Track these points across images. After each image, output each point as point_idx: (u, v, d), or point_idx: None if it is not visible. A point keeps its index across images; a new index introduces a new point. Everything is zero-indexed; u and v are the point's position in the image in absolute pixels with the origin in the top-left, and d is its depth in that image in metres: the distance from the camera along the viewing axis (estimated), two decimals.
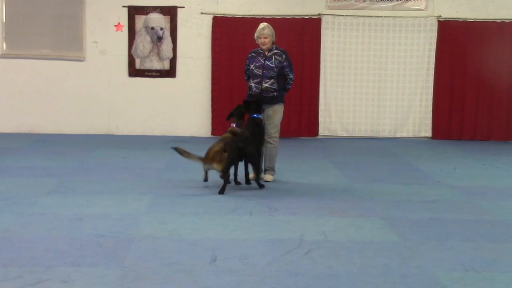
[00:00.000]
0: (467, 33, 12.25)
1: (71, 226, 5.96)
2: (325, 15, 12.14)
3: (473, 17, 12.26)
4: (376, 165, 9.67)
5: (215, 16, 12.08)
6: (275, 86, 8.05)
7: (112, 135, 12.16)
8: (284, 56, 8.09)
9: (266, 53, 8.07)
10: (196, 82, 12.27)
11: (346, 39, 12.22)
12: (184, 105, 12.30)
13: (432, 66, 12.33)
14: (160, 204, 6.88)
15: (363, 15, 12.17)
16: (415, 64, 12.34)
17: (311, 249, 5.44)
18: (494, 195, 7.74)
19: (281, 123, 8.31)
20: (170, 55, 12.16)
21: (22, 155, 9.79)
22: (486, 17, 12.27)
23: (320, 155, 10.60)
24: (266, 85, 8.02)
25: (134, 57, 12.13)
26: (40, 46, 12.05)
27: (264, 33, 7.98)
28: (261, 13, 12.05)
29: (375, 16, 12.18)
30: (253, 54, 8.19)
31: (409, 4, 12.24)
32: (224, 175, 7.46)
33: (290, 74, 8.17)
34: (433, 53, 12.30)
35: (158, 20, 12.08)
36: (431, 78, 12.36)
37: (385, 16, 12.20)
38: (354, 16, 12.17)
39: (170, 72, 12.22)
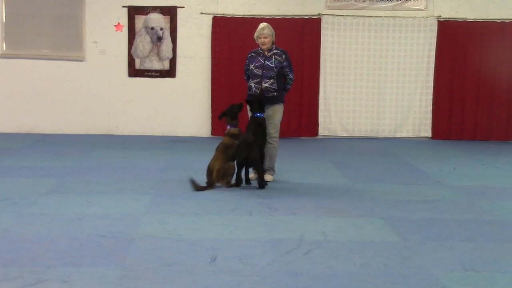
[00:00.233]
0: (467, 33, 12.25)
1: (71, 226, 5.96)
2: (325, 15, 12.14)
3: (473, 17, 12.26)
4: (376, 165, 9.67)
5: (215, 16, 12.08)
6: (275, 86, 8.05)
7: (112, 135, 12.16)
8: (284, 56, 8.09)
9: (266, 53, 8.06)
10: (196, 82, 12.27)
11: (346, 39, 12.22)
12: (184, 105, 12.30)
13: (432, 66, 12.33)
14: (160, 204, 6.88)
15: (363, 15, 12.17)
16: (415, 64, 12.34)
17: (311, 249, 5.44)
18: (494, 195, 7.74)
19: (281, 123, 8.31)
20: (170, 55, 12.16)
21: (22, 155, 9.79)
22: (486, 17, 12.27)
23: (320, 155, 10.60)
24: (266, 85, 8.01)
25: (134, 57, 12.13)
26: (40, 46, 12.05)
27: (264, 33, 7.98)
28: (261, 13, 12.05)
29: (375, 16, 12.18)
30: (253, 54, 8.19)
31: (409, 4, 12.24)
32: (232, 186, 7.68)
33: (290, 74, 8.17)
34: (433, 53, 12.30)
35: (158, 20, 12.08)
36: (431, 78, 12.36)
37: (385, 16, 12.20)
38: (354, 16, 12.17)
39: (170, 72, 12.22)
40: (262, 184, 7.74)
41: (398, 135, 12.51)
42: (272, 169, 8.25)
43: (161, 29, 12.08)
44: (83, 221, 6.13)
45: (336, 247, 5.53)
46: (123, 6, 12.03)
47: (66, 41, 12.05)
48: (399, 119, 12.46)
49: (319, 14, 12.13)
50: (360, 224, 6.29)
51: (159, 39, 12.09)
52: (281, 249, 5.42)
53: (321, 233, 5.92)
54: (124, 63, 12.14)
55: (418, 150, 11.31)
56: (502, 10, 12.30)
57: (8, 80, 12.06)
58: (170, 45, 12.13)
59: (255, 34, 8.09)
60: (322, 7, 12.18)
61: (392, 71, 12.34)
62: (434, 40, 12.26)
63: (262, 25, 8.08)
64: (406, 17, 12.23)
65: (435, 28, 12.24)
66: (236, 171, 7.75)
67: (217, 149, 7.84)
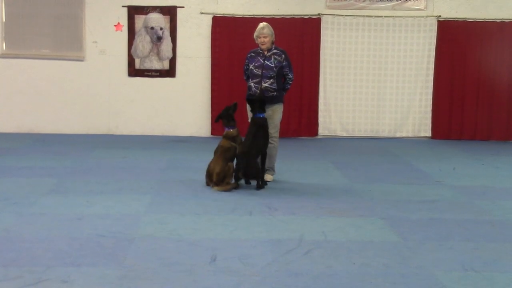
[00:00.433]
0: (467, 33, 12.25)
1: (71, 226, 5.96)
2: (324, 15, 12.14)
3: (473, 17, 12.26)
4: (376, 165, 9.67)
5: (214, 16, 12.08)
6: (274, 86, 8.04)
7: (112, 135, 12.16)
8: (283, 56, 8.08)
9: (266, 53, 8.06)
10: (195, 82, 12.27)
11: (346, 39, 12.22)
12: (184, 105, 12.30)
13: (432, 66, 12.33)
14: (160, 204, 6.88)
15: (363, 15, 12.17)
16: (414, 64, 12.34)
17: (311, 249, 5.44)
18: (494, 195, 7.74)
19: (281, 123, 8.32)
20: (170, 55, 12.16)
21: (22, 155, 9.79)
22: (486, 17, 12.27)
23: (320, 155, 10.60)
24: (266, 85, 8.01)
25: (134, 57, 12.13)
26: (40, 46, 12.05)
27: (263, 32, 7.98)
28: (261, 13, 12.05)
29: (375, 16, 12.18)
30: (252, 54, 8.18)
31: (408, 4, 12.24)
32: (233, 189, 7.67)
33: (289, 74, 8.16)
34: (433, 53, 12.30)
35: (157, 20, 12.08)
36: (431, 78, 12.36)
37: (385, 16, 12.20)
38: (353, 16, 12.17)
39: (169, 72, 12.22)
40: (261, 184, 7.74)
41: (398, 135, 12.52)
42: (272, 169, 8.25)
43: (161, 29, 12.08)
44: (83, 221, 6.13)
45: (336, 247, 5.53)
46: (123, 6, 12.03)
47: (66, 41, 12.05)
48: (399, 119, 12.46)
49: (319, 14, 12.13)
50: (360, 224, 6.29)
51: (159, 39, 12.09)
52: (281, 249, 5.42)
53: (321, 233, 5.92)
54: (124, 63, 12.14)
55: (418, 150, 11.31)
56: (502, 10, 12.30)
57: (8, 80, 12.06)
58: (170, 45, 12.13)
59: (255, 34, 8.09)
60: (322, 7, 12.17)
61: (392, 71, 12.34)
62: (434, 40, 12.26)
63: (261, 24, 8.08)
64: (406, 17, 12.23)
65: (435, 28, 12.24)
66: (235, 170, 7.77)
67: (215, 152, 7.83)
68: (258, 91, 8.00)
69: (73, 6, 11.98)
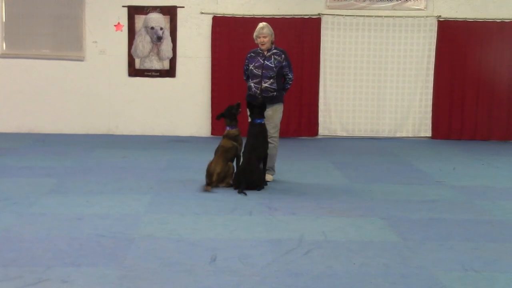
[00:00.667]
0: (467, 33, 12.24)
1: (71, 226, 5.96)
2: (325, 15, 12.14)
3: (473, 17, 12.26)
4: (376, 165, 9.66)
5: (214, 16, 12.09)
6: (274, 86, 8.04)
7: (112, 135, 12.16)
8: (283, 56, 8.08)
9: (265, 53, 8.06)
10: (195, 82, 12.27)
11: (346, 39, 12.22)
12: (184, 105, 12.30)
13: (432, 66, 12.33)
14: (160, 204, 6.88)
15: (363, 15, 12.17)
16: (414, 64, 12.34)
17: (311, 249, 5.44)
18: (494, 195, 7.74)
19: (281, 123, 8.32)
20: (170, 55, 12.16)
21: (22, 155, 9.79)
22: (486, 17, 12.27)
23: (320, 155, 10.60)
24: (266, 85, 8.01)
25: (134, 57, 12.13)
26: (40, 46, 12.05)
27: (263, 32, 7.97)
28: (261, 13, 12.05)
29: (375, 16, 12.18)
30: (252, 54, 8.18)
31: (408, 4, 12.24)
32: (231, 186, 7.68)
33: (289, 74, 8.16)
34: (433, 53, 12.30)
35: (157, 20, 12.08)
36: (431, 78, 12.36)
37: (385, 16, 12.20)
38: (354, 16, 12.17)
39: (169, 72, 12.22)
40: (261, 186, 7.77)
41: (398, 135, 12.52)
42: (272, 169, 8.25)
43: (161, 29, 12.08)
44: (83, 221, 6.13)
45: (336, 247, 5.53)
46: (123, 6, 12.03)
47: (66, 41, 12.05)
48: (399, 119, 12.46)
49: (319, 14, 12.13)
50: (360, 224, 6.29)
51: (159, 39, 12.09)
52: (281, 249, 5.42)
53: (321, 233, 5.92)
54: (124, 63, 12.14)
55: (418, 150, 11.31)
56: (502, 10, 12.30)
57: (8, 80, 12.07)
58: (170, 45, 12.13)
59: (254, 34, 8.08)
60: (322, 7, 12.17)
61: (392, 71, 12.34)
62: (434, 40, 12.26)
63: (261, 24, 8.08)
64: (406, 17, 12.23)
65: (435, 28, 12.24)
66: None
67: (216, 152, 7.83)
68: (258, 91, 8.00)
69: (73, 6, 11.98)
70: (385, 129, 12.48)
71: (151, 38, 12.10)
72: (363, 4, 12.19)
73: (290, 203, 7.04)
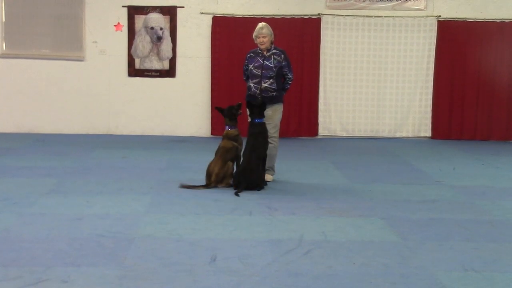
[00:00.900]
0: (467, 33, 12.25)
1: (71, 226, 5.96)
2: (324, 15, 12.14)
3: (473, 17, 12.26)
4: (376, 165, 9.66)
5: (214, 16, 12.09)
6: (274, 86, 8.04)
7: (112, 135, 12.16)
8: (282, 56, 8.08)
9: (265, 53, 8.05)
10: (195, 82, 12.27)
11: (346, 39, 12.22)
12: (184, 105, 12.30)
13: (432, 66, 12.34)
14: (160, 204, 6.88)
15: (363, 15, 12.17)
16: (414, 64, 12.34)
17: (311, 249, 5.44)
18: (494, 195, 7.74)
19: (281, 123, 8.32)
20: (170, 55, 12.16)
21: (22, 155, 9.79)
22: (486, 17, 12.27)
23: (320, 155, 10.60)
24: (265, 85, 8.01)
25: (134, 57, 12.13)
26: (40, 46, 12.05)
27: (262, 32, 7.97)
28: (260, 13, 12.05)
29: (375, 16, 12.18)
30: (251, 54, 8.18)
31: (408, 4, 12.24)
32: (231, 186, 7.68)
33: (289, 74, 8.16)
34: (433, 53, 12.30)
35: (157, 20, 12.08)
36: (431, 78, 12.36)
37: (385, 16, 12.20)
38: (353, 16, 12.17)
39: (169, 72, 12.22)
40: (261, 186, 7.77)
41: (398, 135, 12.52)
42: (272, 169, 8.24)
43: (161, 29, 12.08)
44: (83, 221, 6.13)
45: (336, 247, 5.53)
46: (123, 6, 12.03)
47: (66, 41, 12.05)
48: (399, 119, 12.47)
49: (319, 14, 12.13)
50: (360, 224, 6.29)
51: (159, 39, 12.09)
52: (281, 249, 5.42)
53: (321, 233, 5.91)
54: (124, 63, 12.14)
55: (418, 150, 11.31)
56: (502, 10, 12.30)
57: (8, 80, 12.07)
58: (170, 45, 12.13)
59: (254, 34, 8.08)
60: (322, 7, 12.18)
61: (392, 71, 12.35)
62: (434, 40, 12.26)
63: (260, 24, 8.07)
64: (406, 17, 12.23)
65: (435, 28, 12.24)
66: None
67: (216, 153, 7.83)
68: (258, 91, 8.00)
69: (73, 6, 11.98)
70: (385, 129, 12.48)
71: (151, 38, 12.10)
72: (363, 4, 12.19)
73: (290, 203, 7.04)
